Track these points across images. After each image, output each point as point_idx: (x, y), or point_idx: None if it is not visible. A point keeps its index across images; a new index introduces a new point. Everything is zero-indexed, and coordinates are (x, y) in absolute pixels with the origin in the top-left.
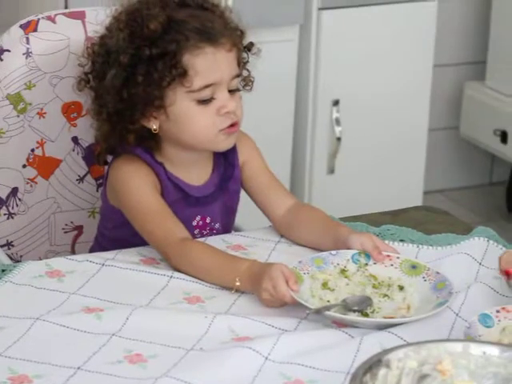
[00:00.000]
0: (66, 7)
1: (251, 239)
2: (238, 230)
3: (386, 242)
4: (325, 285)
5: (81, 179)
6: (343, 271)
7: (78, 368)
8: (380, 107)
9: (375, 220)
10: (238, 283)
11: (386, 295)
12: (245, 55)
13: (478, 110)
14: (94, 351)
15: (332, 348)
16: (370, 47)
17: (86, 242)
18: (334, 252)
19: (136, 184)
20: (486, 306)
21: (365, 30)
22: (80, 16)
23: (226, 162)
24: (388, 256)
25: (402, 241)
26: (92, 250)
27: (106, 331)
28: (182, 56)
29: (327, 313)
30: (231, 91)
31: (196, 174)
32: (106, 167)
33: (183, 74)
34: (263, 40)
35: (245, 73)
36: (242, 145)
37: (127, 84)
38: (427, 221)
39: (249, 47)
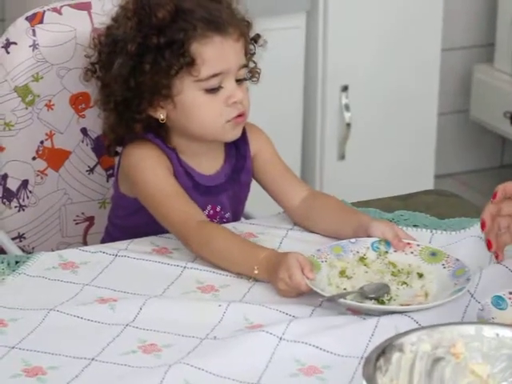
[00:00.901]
0: None
1: (262, 227)
2: (248, 217)
3: (400, 227)
4: (342, 273)
5: (91, 170)
6: (362, 259)
7: (93, 359)
8: (389, 92)
9: (386, 205)
10: (256, 271)
11: (404, 283)
12: (251, 47)
13: (487, 92)
14: (108, 342)
15: (346, 332)
16: (378, 32)
17: (98, 232)
18: (353, 240)
19: (150, 166)
20: (500, 287)
21: (372, 14)
22: (86, 7)
23: (237, 153)
24: (408, 244)
25: (415, 226)
26: (103, 242)
27: (120, 322)
28: (190, 45)
29: (341, 300)
30: (238, 81)
31: (207, 164)
32: (117, 158)
33: (191, 62)
34: (270, 28)
35: (251, 64)
36: (253, 137)
37: (134, 73)
38: (438, 204)
39: (255, 39)
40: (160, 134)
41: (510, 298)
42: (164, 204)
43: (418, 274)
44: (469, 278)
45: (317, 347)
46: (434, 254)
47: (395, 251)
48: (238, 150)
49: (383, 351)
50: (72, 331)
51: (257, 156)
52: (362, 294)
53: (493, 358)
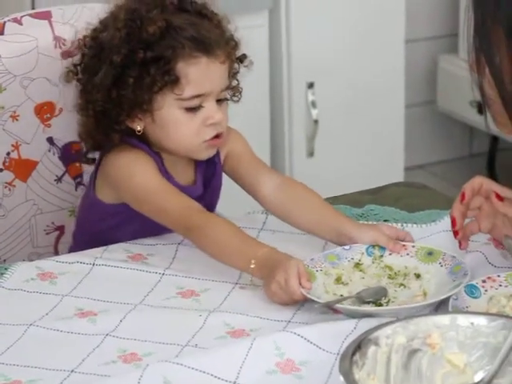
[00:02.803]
0: (33, 8)
1: None
2: None
3: (370, 223)
4: (338, 280)
5: (59, 179)
6: (358, 265)
7: (72, 371)
8: (355, 87)
9: (356, 200)
10: (252, 266)
11: (402, 284)
12: (236, 66)
13: (453, 82)
14: (88, 352)
15: (326, 328)
16: (341, 27)
17: (69, 241)
18: (347, 247)
19: (140, 168)
20: (478, 276)
21: (334, 10)
22: (46, 16)
23: (207, 159)
24: (404, 246)
25: (386, 220)
26: (71, 249)
27: (100, 332)
28: (177, 63)
29: (338, 305)
30: (219, 100)
31: (181, 173)
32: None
33: (175, 81)
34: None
35: (234, 83)
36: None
37: (117, 84)
38: (408, 197)
39: (241, 59)
40: (142, 140)
41: (483, 287)
42: (162, 201)
43: (415, 274)
44: (466, 273)
45: (297, 334)
46: (430, 253)
47: (390, 254)
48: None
49: (359, 346)
50: (51, 344)
51: (229, 154)
52: (360, 299)
53: (469, 346)
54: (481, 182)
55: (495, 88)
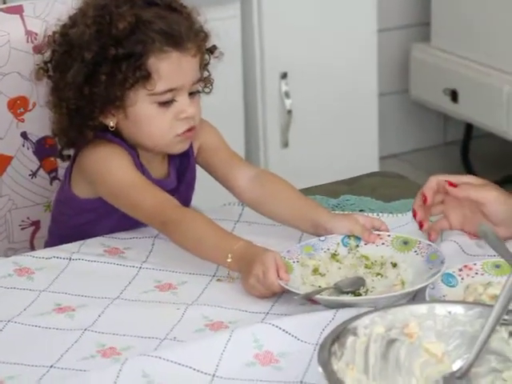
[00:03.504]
0: (4, 2)
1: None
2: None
3: (346, 213)
4: (315, 270)
5: (33, 174)
6: (334, 255)
7: (51, 366)
8: (328, 77)
9: (331, 190)
10: (229, 259)
11: (379, 274)
12: (206, 57)
13: (426, 71)
14: (66, 348)
15: (303, 319)
16: (313, 17)
17: (44, 236)
18: (322, 238)
19: (116, 162)
20: (453, 264)
21: (306, 0)
22: (18, 10)
23: (180, 153)
24: (379, 235)
25: (361, 210)
26: (46, 244)
27: (78, 327)
28: (148, 59)
29: (317, 297)
30: (191, 93)
31: (155, 167)
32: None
33: (147, 76)
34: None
35: (205, 74)
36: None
37: (89, 81)
38: (383, 186)
39: (211, 50)
40: (117, 134)
41: (459, 275)
42: (137, 195)
43: (391, 263)
44: (443, 261)
45: (275, 326)
46: (405, 242)
47: (366, 244)
48: None
49: (337, 336)
50: (30, 340)
51: (202, 147)
52: (338, 290)
53: (446, 335)
54: (437, 179)
55: None
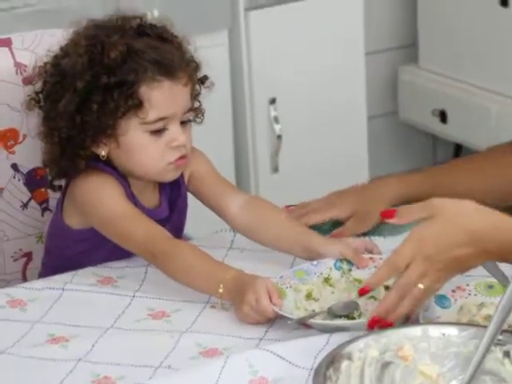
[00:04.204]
0: None
1: (203, 247)
2: (187, 238)
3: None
4: (309, 295)
5: (24, 205)
6: (327, 280)
7: None
8: (317, 101)
9: None
10: (221, 290)
11: (372, 297)
12: (197, 87)
13: (414, 92)
14: (61, 379)
15: (298, 344)
16: (301, 43)
17: (37, 267)
18: (315, 262)
19: (108, 192)
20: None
21: (293, 26)
22: (6, 43)
23: (171, 181)
24: (371, 259)
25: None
26: (40, 276)
27: (73, 357)
28: (140, 87)
29: (311, 321)
30: (183, 122)
31: (147, 197)
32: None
33: (139, 105)
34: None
35: (196, 104)
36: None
37: (81, 110)
38: None
39: (202, 80)
40: (108, 164)
41: (452, 297)
42: (128, 226)
43: (384, 286)
44: None
45: (270, 351)
46: None
47: (359, 268)
48: None
49: (332, 360)
50: (24, 371)
51: (193, 175)
52: (331, 314)
53: (441, 357)
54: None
55: None
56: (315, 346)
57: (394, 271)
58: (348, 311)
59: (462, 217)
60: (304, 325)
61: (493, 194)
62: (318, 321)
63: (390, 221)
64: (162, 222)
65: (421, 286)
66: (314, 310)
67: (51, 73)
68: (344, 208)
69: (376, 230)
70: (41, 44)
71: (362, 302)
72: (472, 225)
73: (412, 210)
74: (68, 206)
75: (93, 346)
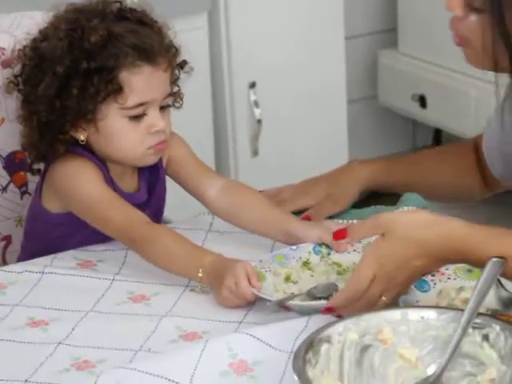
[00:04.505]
0: None
1: (182, 230)
2: (166, 222)
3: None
4: (287, 278)
5: (4, 189)
6: (306, 263)
7: (26, 380)
8: (296, 85)
9: None
10: (200, 274)
11: None
12: (176, 72)
13: (394, 77)
14: (40, 362)
15: (277, 327)
16: (280, 26)
17: (16, 251)
18: (294, 247)
19: (86, 176)
20: None
21: (273, 9)
22: None
23: (150, 166)
24: (349, 243)
25: (331, 218)
26: (19, 259)
27: (52, 340)
28: (120, 72)
29: (290, 303)
30: (162, 108)
31: (126, 182)
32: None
33: (119, 90)
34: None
35: (175, 89)
36: None
37: (60, 94)
38: None
39: (182, 65)
40: (87, 148)
41: (432, 280)
42: (106, 210)
43: None
44: None
45: (249, 335)
46: None
47: (338, 252)
48: None
49: (311, 344)
50: (4, 355)
51: (171, 159)
52: (311, 296)
53: (420, 340)
54: None
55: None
56: (294, 329)
57: (357, 294)
58: (327, 293)
59: (413, 230)
60: (283, 307)
61: (438, 190)
62: (296, 302)
63: (342, 241)
64: (140, 206)
65: (384, 298)
66: (292, 293)
67: (30, 56)
68: (315, 196)
69: (358, 215)
70: (20, 27)
71: (341, 284)
72: (423, 237)
73: (363, 228)
74: (47, 190)
75: (72, 329)
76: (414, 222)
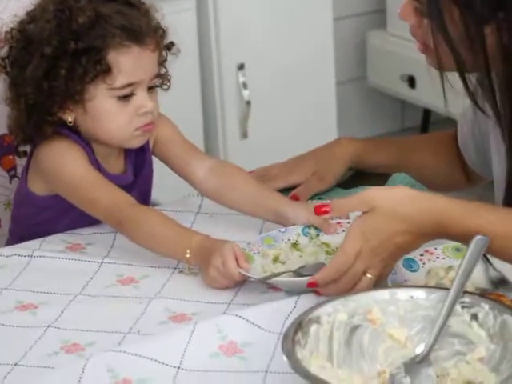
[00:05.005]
0: None
1: (171, 212)
2: (154, 204)
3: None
4: (276, 259)
5: None
6: (295, 245)
7: (16, 364)
8: (285, 67)
9: None
10: (187, 255)
11: None
12: (164, 54)
13: (383, 57)
14: (30, 345)
15: (266, 308)
16: (269, 7)
17: (5, 234)
18: (282, 229)
19: (72, 159)
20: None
21: None
22: None
23: (136, 148)
24: (339, 223)
25: (320, 198)
26: (8, 243)
27: (41, 324)
28: (108, 53)
29: (277, 279)
30: (150, 88)
31: (112, 163)
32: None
33: (107, 70)
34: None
35: (162, 70)
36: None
37: (48, 75)
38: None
39: (169, 47)
40: (73, 129)
41: (420, 260)
42: (92, 192)
43: None
44: None
45: (238, 316)
46: None
47: (327, 234)
48: None
49: (300, 325)
50: None
51: (158, 139)
52: (298, 274)
53: (409, 320)
54: None
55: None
56: (283, 310)
57: (342, 268)
58: (315, 272)
59: (397, 206)
60: (272, 288)
61: (423, 174)
62: (281, 279)
63: (325, 216)
64: (127, 188)
65: (369, 275)
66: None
67: (17, 38)
68: (303, 172)
69: (347, 195)
70: (7, 9)
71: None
72: (407, 212)
73: (348, 204)
74: (33, 173)
75: (62, 312)
76: (398, 198)
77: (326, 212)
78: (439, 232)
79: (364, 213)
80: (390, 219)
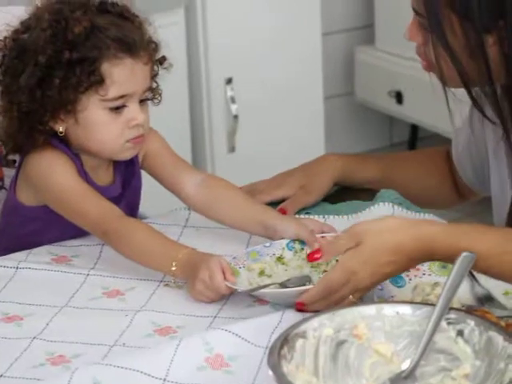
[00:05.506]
0: None
1: (158, 225)
2: (142, 217)
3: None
4: (261, 273)
5: None
6: (279, 259)
7: (1, 376)
8: (273, 81)
9: None
10: (173, 268)
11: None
12: (156, 68)
13: (370, 73)
14: (15, 357)
15: (252, 322)
16: (258, 22)
17: None
18: (267, 244)
19: (60, 170)
20: None
21: (250, 5)
22: None
23: (125, 160)
24: (323, 238)
25: (307, 213)
26: None
27: (27, 335)
28: (101, 64)
29: (262, 291)
30: (141, 101)
31: (101, 175)
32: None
33: (100, 81)
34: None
35: (154, 85)
36: None
37: (42, 84)
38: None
39: (161, 61)
40: (63, 140)
41: (407, 276)
42: (80, 203)
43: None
44: None
45: (225, 330)
46: None
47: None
48: None
49: (286, 339)
50: None
51: (147, 153)
52: (284, 287)
53: (395, 336)
54: None
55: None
56: (270, 324)
57: (327, 294)
58: (300, 284)
59: (385, 237)
60: (258, 301)
61: (411, 191)
62: (267, 290)
63: (319, 261)
64: (115, 200)
65: (351, 297)
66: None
67: (11, 47)
68: (290, 186)
69: (334, 210)
70: None
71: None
72: (396, 240)
73: (337, 244)
74: (21, 183)
75: (47, 324)
76: (387, 228)
77: (317, 258)
78: (427, 256)
79: (352, 247)
80: (378, 253)
